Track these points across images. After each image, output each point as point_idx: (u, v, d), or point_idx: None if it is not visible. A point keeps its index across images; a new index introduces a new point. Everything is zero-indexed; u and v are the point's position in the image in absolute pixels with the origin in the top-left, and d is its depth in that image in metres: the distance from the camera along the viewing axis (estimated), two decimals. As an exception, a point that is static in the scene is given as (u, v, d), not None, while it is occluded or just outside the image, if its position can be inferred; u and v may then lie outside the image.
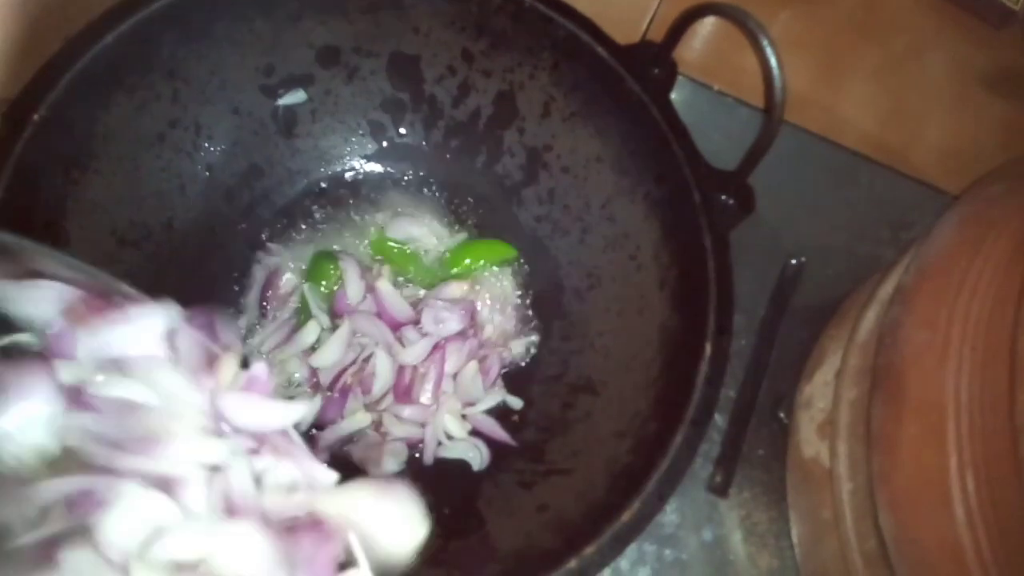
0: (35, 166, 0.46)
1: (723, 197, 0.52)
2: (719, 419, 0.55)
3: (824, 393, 0.48)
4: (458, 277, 0.59)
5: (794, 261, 0.60)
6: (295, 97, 0.58)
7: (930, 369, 0.36)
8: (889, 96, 0.68)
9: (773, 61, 0.45)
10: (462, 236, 0.61)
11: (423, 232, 0.59)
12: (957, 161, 0.67)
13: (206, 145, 0.56)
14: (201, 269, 0.56)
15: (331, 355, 0.54)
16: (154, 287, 0.53)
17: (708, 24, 0.66)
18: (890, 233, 0.63)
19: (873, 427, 0.38)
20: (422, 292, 0.58)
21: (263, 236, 0.59)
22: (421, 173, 0.63)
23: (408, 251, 0.59)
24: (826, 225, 0.62)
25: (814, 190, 0.63)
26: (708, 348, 0.48)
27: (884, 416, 0.38)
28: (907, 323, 0.39)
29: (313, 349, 0.55)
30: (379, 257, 0.59)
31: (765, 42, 0.45)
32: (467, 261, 0.60)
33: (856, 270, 0.59)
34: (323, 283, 0.56)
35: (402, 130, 0.62)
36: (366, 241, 0.59)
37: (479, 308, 0.57)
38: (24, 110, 0.45)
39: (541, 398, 0.57)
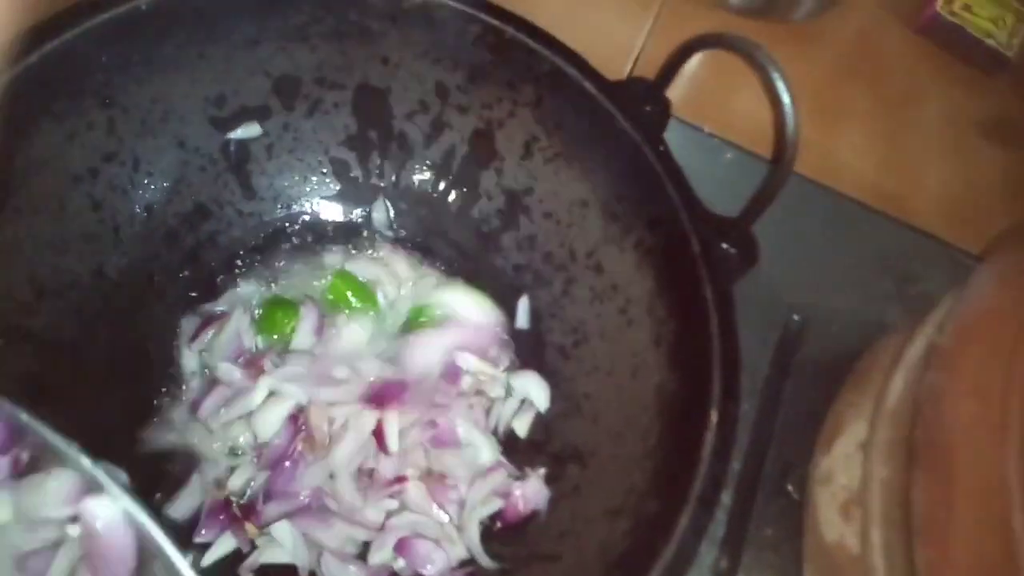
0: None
1: (724, 246, 0.47)
2: (723, 494, 0.49)
3: (846, 467, 0.43)
4: (426, 325, 0.53)
5: (796, 317, 0.55)
6: (249, 131, 0.53)
7: (985, 446, 0.31)
8: (885, 141, 0.65)
9: (786, 98, 0.41)
10: (431, 281, 0.55)
11: (388, 276, 0.54)
12: (957, 209, 0.63)
13: (145, 182, 0.50)
14: (135, 322, 0.50)
15: (270, 422, 0.47)
16: (80, 342, 0.48)
17: (696, 61, 0.62)
18: (894, 287, 0.59)
19: (916, 513, 0.33)
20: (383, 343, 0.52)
21: (208, 285, 0.52)
22: (388, 216, 0.57)
23: (370, 295, 0.53)
24: (827, 278, 0.58)
25: (813, 239, 0.59)
26: (714, 415, 0.43)
27: (930, 501, 0.33)
28: (951, 392, 0.34)
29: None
30: (336, 300, 0.53)
31: (777, 77, 0.41)
32: (436, 311, 0.54)
33: (862, 327, 0.55)
34: (276, 335, 0.50)
35: (368, 169, 0.57)
36: (323, 285, 0.53)
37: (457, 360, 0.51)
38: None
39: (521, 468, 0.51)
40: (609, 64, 0.60)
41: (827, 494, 0.44)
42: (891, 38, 0.70)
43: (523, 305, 0.55)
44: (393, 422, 0.47)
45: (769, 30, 0.67)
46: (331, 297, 0.53)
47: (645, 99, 0.51)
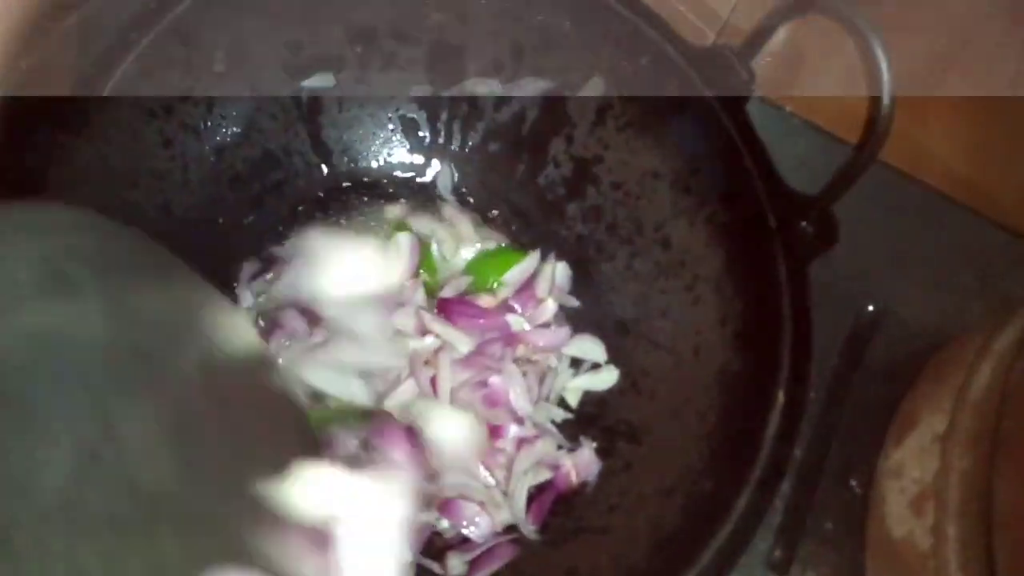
0: (15, 121, 0.40)
1: (802, 224, 0.45)
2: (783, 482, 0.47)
3: (919, 461, 0.40)
4: (483, 290, 0.52)
5: (871, 307, 0.53)
6: (322, 81, 0.52)
7: (1083, 440, 0.29)
8: (978, 136, 0.62)
9: (883, 65, 0.38)
10: (490, 245, 0.54)
11: (447, 233, 0.53)
12: (1050, 212, 0.60)
13: (217, 125, 0.50)
14: (196, 263, 0.50)
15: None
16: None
17: (781, 39, 0.59)
18: (978, 283, 0.56)
19: (1000, 505, 0.31)
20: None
21: (270, 231, 0.52)
22: (453, 178, 0.56)
23: (427, 251, 0.52)
24: (906, 269, 0.55)
25: (894, 229, 0.56)
26: (781, 397, 0.41)
27: (1015, 492, 0.31)
28: (1047, 381, 0.32)
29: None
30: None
31: (876, 44, 0.38)
32: (492, 277, 0.53)
33: (939, 322, 0.52)
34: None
35: (436, 129, 0.56)
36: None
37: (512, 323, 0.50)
38: (10, 56, 0.40)
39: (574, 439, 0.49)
40: (693, 34, 0.58)
41: (896, 488, 0.41)
42: (993, 27, 0.66)
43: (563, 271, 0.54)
44: (445, 379, 0.46)
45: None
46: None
47: (729, 67, 0.49)
